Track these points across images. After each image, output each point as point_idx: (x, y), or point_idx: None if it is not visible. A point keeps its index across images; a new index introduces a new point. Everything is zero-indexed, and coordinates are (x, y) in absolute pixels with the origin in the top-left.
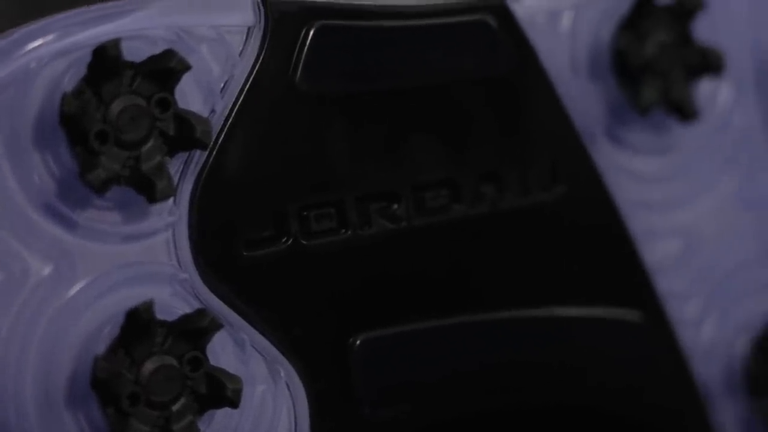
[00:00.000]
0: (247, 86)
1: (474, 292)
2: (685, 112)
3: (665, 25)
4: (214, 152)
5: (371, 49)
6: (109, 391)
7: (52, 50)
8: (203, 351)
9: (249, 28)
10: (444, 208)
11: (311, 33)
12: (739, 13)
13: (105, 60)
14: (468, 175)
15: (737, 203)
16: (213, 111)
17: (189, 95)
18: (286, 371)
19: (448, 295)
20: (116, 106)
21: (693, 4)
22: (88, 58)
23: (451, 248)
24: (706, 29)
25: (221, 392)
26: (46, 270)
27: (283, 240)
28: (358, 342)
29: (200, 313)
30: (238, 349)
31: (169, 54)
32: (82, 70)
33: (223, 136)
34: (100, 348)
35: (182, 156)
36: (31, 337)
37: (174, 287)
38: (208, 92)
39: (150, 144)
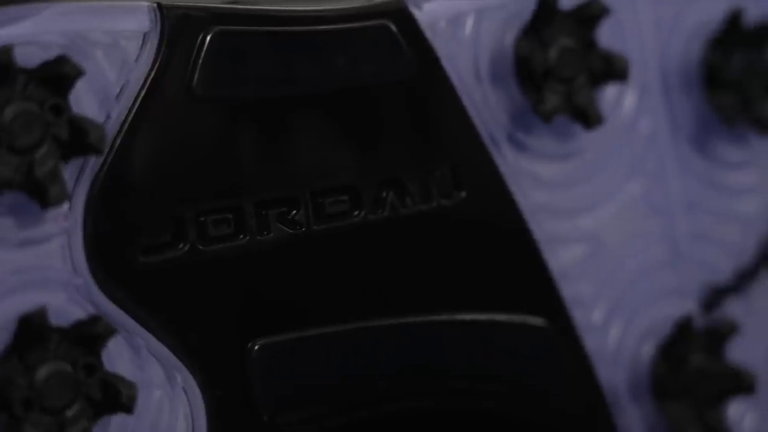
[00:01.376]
0: (143, 92)
1: (375, 297)
2: (588, 118)
3: (569, 30)
4: (110, 157)
5: (270, 54)
6: (1, 396)
7: None
8: (98, 357)
9: (145, 34)
10: (344, 215)
11: (208, 38)
12: (645, 18)
13: None
14: (369, 181)
15: (642, 208)
16: (108, 116)
17: (84, 101)
18: (183, 377)
19: (347, 300)
20: (9, 112)
21: (597, 9)
22: None
23: (351, 254)
24: (611, 35)
25: (116, 398)
26: None
27: (180, 246)
28: (256, 347)
29: (94, 319)
30: (134, 355)
31: (62, 59)
32: None
33: (119, 141)
34: None
35: (78, 161)
36: None
37: (69, 293)
38: (103, 98)
39: (44, 149)
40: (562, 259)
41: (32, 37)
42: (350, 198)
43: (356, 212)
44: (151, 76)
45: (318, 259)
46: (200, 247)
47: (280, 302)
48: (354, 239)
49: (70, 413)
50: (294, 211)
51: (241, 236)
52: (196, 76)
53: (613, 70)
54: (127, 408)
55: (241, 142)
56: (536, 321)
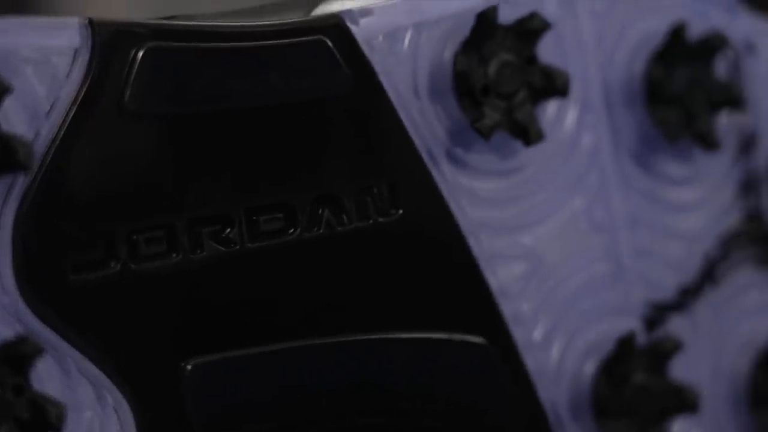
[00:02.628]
0: (74, 108)
1: (311, 316)
2: (529, 134)
3: (509, 45)
4: (40, 175)
5: (203, 70)
6: None
7: None
8: (26, 377)
9: (76, 50)
10: (279, 232)
11: (140, 54)
12: (587, 33)
13: None
14: (304, 198)
15: (584, 225)
16: (38, 134)
17: (13, 118)
18: (114, 397)
19: (283, 319)
20: None
21: (538, 24)
22: None
23: (286, 273)
24: (553, 50)
25: (44, 418)
26: None
27: (112, 264)
28: (189, 367)
29: (22, 339)
30: (63, 375)
31: None
32: None
33: (48, 158)
34: None
35: (7, 179)
36: None
37: None
38: (33, 115)
39: None
40: (502, 276)
41: None
42: (285, 215)
43: (291, 230)
44: (82, 92)
45: (253, 278)
46: (132, 265)
47: (214, 321)
48: (289, 257)
49: None
50: (228, 229)
51: (174, 254)
52: (127, 92)
53: (554, 85)
54: (56, 429)
55: (174, 159)
56: (476, 339)
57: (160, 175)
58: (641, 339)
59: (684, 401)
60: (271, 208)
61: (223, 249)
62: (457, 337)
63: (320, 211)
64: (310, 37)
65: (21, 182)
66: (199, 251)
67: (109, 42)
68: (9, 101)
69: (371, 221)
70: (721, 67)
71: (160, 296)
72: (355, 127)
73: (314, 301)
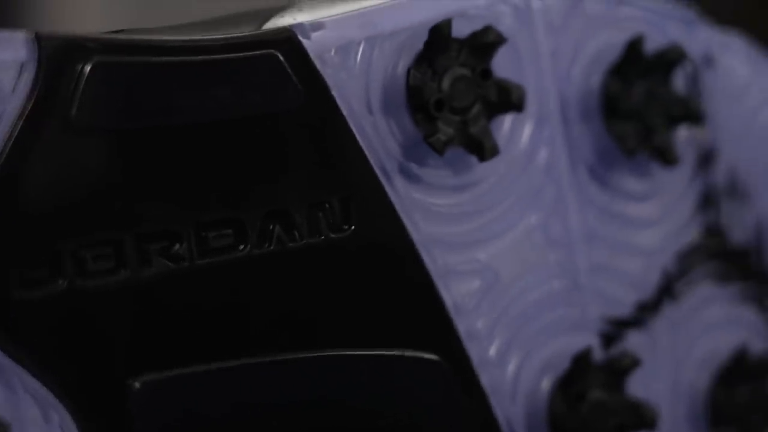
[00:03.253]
0: (20, 123)
1: (263, 333)
2: (483, 149)
3: (464, 59)
4: None
5: (152, 85)
6: None
7: None
8: None
9: (22, 64)
10: (229, 248)
11: (87, 69)
12: (543, 46)
13: None
14: (255, 213)
15: (540, 240)
16: None
17: None
18: (60, 415)
19: (233, 336)
20: None
21: (493, 38)
22: None
23: (236, 289)
24: (508, 64)
25: None
26: None
27: (59, 281)
28: (137, 385)
29: None
30: (8, 393)
31: None
32: None
33: None
34: None
35: None
36: None
37: None
38: None
39: None
40: (456, 292)
41: None
42: (235, 231)
43: (241, 246)
44: (29, 107)
45: (202, 294)
46: (79, 282)
47: (163, 338)
48: (240, 273)
49: None
50: (177, 245)
51: (122, 271)
52: (75, 107)
53: (509, 100)
54: None
55: (122, 175)
56: (430, 356)
57: (108, 191)
58: (598, 355)
59: (642, 418)
60: (221, 223)
61: (172, 265)
62: (411, 353)
63: (271, 227)
64: (260, 51)
65: None
66: (147, 268)
67: (56, 56)
68: None
69: (323, 237)
70: (679, 81)
71: (107, 313)
72: (306, 142)
73: (265, 318)
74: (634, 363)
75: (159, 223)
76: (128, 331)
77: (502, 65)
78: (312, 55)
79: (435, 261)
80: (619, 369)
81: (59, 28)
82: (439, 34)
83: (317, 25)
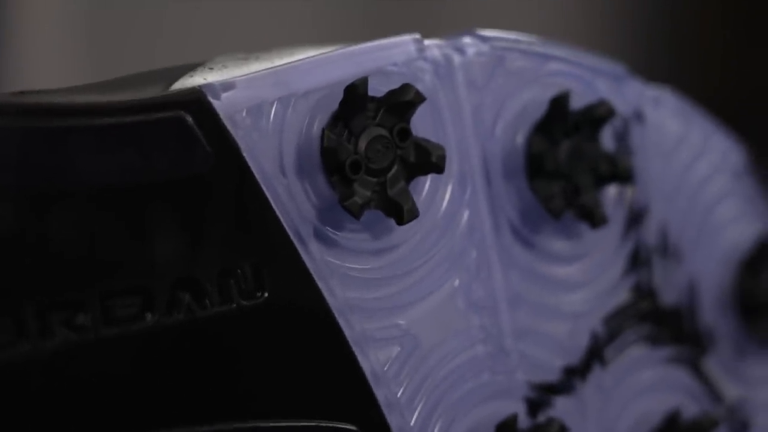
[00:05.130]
0: None
1: (170, 406)
2: (402, 212)
3: (382, 119)
4: None
5: (53, 149)
6: None
7: None
8: None
9: None
10: (135, 317)
11: None
12: (466, 104)
13: None
14: (163, 281)
15: (463, 305)
16: None
17: None
18: None
19: (140, 409)
20: None
21: (411, 96)
22: None
23: (143, 361)
24: (430, 123)
25: None
26: None
27: None
28: None
29: None
30: None
31: None
32: None
33: None
34: None
35: None
36: None
37: None
38: None
39: None
40: (375, 360)
41: None
42: (142, 300)
43: (148, 315)
44: None
45: (108, 366)
46: None
47: (66, 413)
48: (147, 344)
49: None
50: (80, 315)
51: (22, 342)
52: None
53: (429, 160)
54: None
55: (21, 241)
56: (349, 426)
57: (7, 258)
58: (524, 423)
59: None
60: (127, 292)
61: (76, 336)
62: (328, 424)
63: (180, 295)
64: (168, 113)
65: None
66: (49, 338)
67: None
68: None
69: (235, 305)
70: (608, 138)
71: (7, 388)
72: (217, 206)
73: (174, 389)
74: (561, 430)
75: (61, 292)
76: (29, 407)
77: (422, 124)
78: (222, 116)
79: (352, 327)
80: None
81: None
82: (355, 92)
83: (228, 85)
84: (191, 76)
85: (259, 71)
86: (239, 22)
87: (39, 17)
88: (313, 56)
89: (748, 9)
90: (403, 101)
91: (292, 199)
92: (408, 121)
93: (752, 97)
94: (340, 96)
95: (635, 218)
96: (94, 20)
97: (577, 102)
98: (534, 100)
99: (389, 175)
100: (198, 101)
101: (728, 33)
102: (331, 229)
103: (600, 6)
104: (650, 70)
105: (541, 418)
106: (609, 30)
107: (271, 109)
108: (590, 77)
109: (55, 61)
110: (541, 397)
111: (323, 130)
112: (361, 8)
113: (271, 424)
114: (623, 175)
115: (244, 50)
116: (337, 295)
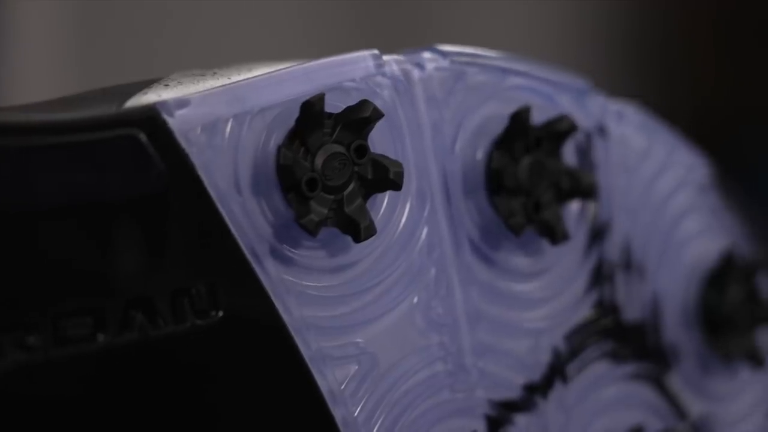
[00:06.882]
0: None
1: (123, 427)
2: (359, 230)
3: (338, 136)
4: None
5: (3, 168)
6: None
7: None
8: None
9: None
10: (87, 338)
11: None
12: (425, 121)
13: None
14: (115, 301)
15: (423, 322)
16: None
17: None
18: None
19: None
20: None
21: (368, 112)
22: None
23: (95, 380)
24: (389, 138)
25: None
26: None
27: None
28: None
29: None
30: None
31: None
32: None
33: None
34: None
35: None
36: None
37: None
38: None
39: None
40: (332, 378)
41: None
42: (94, 320)
43: (100, 335)
44: None
45: (59, 387)
46: None
47: None
48: (98, 365)
49: None
50: (31, 335)
51: None
52: None
53: (387, 177)
54: None
55: None
56: None
57: None
58: None
59: None
60: (79, 312)
61: (26, 357)
62: None
63: (132, 315)
64: (120, 131)
65: None
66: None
67: None
68: None
69: (189, 324)
70: (570, 153)
71: None
72: (171, 224)
73: (127, 410)
74: None
75: (12, 312)
76: None
77: (381, 140)
78: (176, 133)
79: (309, 346)
80: None
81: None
82: (311, 109)
83: (182, 102)
84: (146, 93)
85: (214, 88)
86: (234, 29)
87: (31, 25)
88: (270, 72)
89: (737, 27)
90: (361, 117)
91: (247, 216)
92: (365, 138)
93: (741, 112)
94: (296, 113)
95: (598, 234)
96: (85, 28)
97: (538, 117)
98: (494, 115)
99: (346, 192)
100: (151, 119)
101: (719, 54)
102: (287, 247)
103: (588, 21)
104: (639, 86)
105: None
106: (594, 47)
107: (226, 126)
108: (552, 92)
109: (46, 70)
110: (501, 414)
111: (279, 148)
112: (353, 16)
113: None
114: (585, 191)
115: (234, 59)
116: (293, 313)
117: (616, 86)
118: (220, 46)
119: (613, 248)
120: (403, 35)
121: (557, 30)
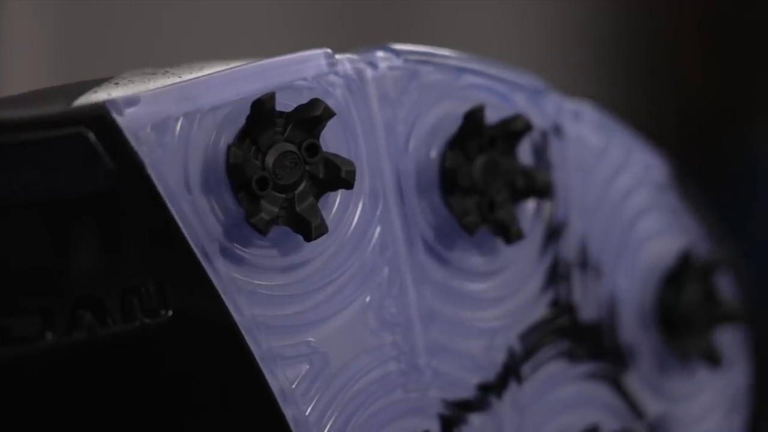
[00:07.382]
0: None
1: (71, 428)
2: (310, 229)
3: (291, 135)
4: None
5: None
6: None
7: None
8: None
9: None
10: (34, 337)
11: None
12: (378, 120)
13: None
14: (63, 300)
15: (375, 321)
16: None
17: None
18: None
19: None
20: None
21: (319, 111)
22: None
23: (42, 382)
24: (342, 137)
25: None
26: None
27: None
28: None
29: None
30: None
31: None
32: None
33: None
34: None
35: None
36: None
37: None
38: None
39: None
40: (283, 378)
41: None
42: (42, 318)
43: (48, 334)
44: None
45: (5, 387)
46: None
47: None
48: (46, 364)
49: None
50: None
51: None
52: None
53: (338, 176)
54: None
55: None
56: None
57: None
58: None
59: None
60: (26, 311)
61: None
62: None
63: (81, 314)
64: (69, 129)
65: None
66: None
67: None
68: None
69: (138, 323)
70: (525, 153)
71: None
72: (119, 223)
73: (75, 410)
74: None
75: None
76: None
77: (333, 139)
78: (126, 132)
79: (260, 345)
80: None
81: None
82: (262, 108)
83: (132, 101)
84: (95, 92)
85: (164, 86)
86: (216, 26)
87: (15, 26)
88: (221, 71)
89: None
90: (312, 116)
91: (197, 215)
92: (317, 137)
93: (727, 112)
94: (247, 111)
95: (554, 233)
96: (68, 29)
97: (493, 116)
98: (448, 114)
99: (297, 191)
100: (100, 117)
101: (705, 54)
102: (238, 246)
103: (575, 22)
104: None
105: None
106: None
107: (177, 124)
108: (507, 91)
109: (29, 72)
110: (455, 414)
111: (229, 146)
112: (340, 17)
113: None
114: (541, 190)
115: (217, 55)
116: (244, 312)
117: (602, 86)
118: (204, 46)
119: (569, 247)
120: (388, 37)
121: (543, 31)
